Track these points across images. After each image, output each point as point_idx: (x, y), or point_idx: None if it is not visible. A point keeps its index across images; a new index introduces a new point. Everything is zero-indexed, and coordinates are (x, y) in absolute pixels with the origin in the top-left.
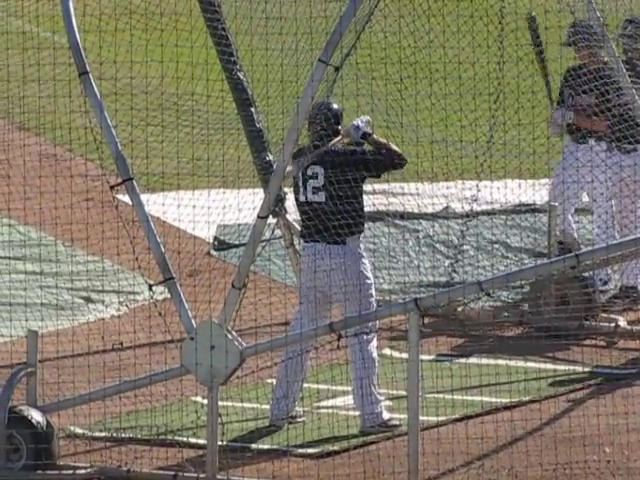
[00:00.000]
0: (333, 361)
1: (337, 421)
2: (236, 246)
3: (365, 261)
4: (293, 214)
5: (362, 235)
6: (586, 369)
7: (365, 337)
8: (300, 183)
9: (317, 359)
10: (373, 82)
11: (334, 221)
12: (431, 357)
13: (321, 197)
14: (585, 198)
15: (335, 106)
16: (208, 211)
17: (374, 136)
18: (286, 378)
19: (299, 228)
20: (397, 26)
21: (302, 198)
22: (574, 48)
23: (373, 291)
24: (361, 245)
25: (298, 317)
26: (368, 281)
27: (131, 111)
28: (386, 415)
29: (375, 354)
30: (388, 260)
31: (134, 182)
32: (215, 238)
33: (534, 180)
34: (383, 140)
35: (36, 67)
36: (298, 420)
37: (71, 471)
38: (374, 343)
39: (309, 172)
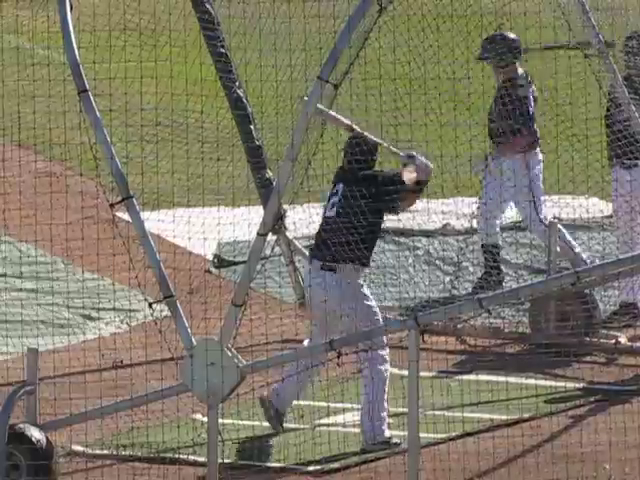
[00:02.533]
0: (332, 379)
1: (336, 438)
2: (236, 263)
3: (359, 289)
4: (293, 232)
5: (363, 269)
6: (586, 385)
7: (377, 356)
8: (328, 200)
9: (315, 377)
10: (370, 98)
11: (341, 238)
12: (431, 374)
13: (333, 212)
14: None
15: (370, 141)
16: (207, 229)
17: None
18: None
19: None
20: (394, 42)
21: (326, 213)
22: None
23: (377, 318)
24: (354, 272)
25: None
26: (366, 310)
27: (127, 128)
28: (387, 433)
29: (387, 374)
30: (388, 277)
31: (134, 200)
32: (215, 255)
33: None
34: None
35: (33, 84)
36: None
37: None
38: (387, 364)
39: (336, 188)
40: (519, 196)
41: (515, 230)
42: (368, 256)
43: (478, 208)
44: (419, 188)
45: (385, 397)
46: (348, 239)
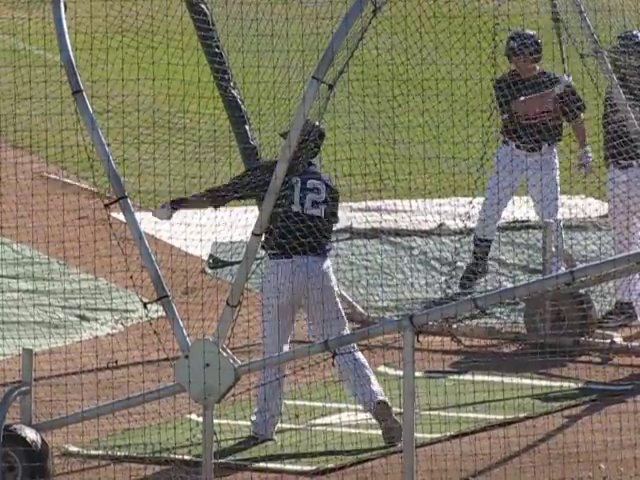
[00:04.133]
0: (327, 379)
1: (332, 438)
2: (231, 264)
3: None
4: None
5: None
6: (581, 385)
7: (346, 352)
8: (297, 193)
9: (312, 377)
10: (366, 99)
11: (325, 236)
12: (426, 374)
13: (320, 212)
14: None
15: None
16: (203, 229)
17: None
18: (266, 398)
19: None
20: (390, 43)
21: (297, 209)
22: (515, 58)
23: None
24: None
25: (269, 335)
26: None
27: (123, 129)
28: (380, 396)
29: (359, 355)
30: (383, 277)
31: (128, 200)
32: (210, 256)
33: (527, 196)
34: None
35: (29, 85)
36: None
37: None
38: (357, 352)
39: (309, 185)
40: (539, 190)
41: (510, 230)
42: None
43: (473, 205)
44: None
45: (369, 370)
46: (329, 236)
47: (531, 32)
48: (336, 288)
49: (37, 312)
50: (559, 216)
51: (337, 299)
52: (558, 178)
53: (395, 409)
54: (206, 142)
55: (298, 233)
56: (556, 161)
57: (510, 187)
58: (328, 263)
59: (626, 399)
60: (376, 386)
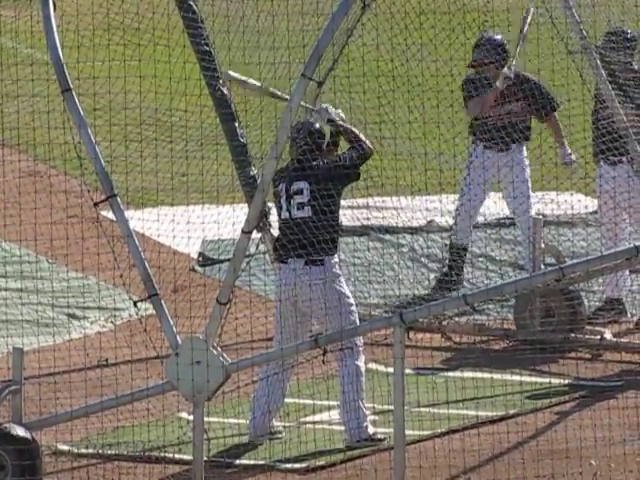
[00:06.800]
0: (317, 376)
1: (322, 436)
2: (221, 261)
3: (342, 279)
4: (277, 229)
5: (337, 254)
6: (570, 382)
7: (352, 352)
8: (284, 200)
9: (301, 374)
10: (354, 95)
11: (318, 237)
12: (416, 371)
13: (307, 212)
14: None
15: (317, 125)
16: (192, 227)
17: (340, 122)
18: (266, 395)
19: (276, 247)
20: (377, 40)
21: (285, 215)
22: (480, 69)
23: (354, 308)
24: (337, 264)
25: (277, 337)
26: (349, 300)
27: (111, 127)
28: (371, 429)
29: (362, 368)
30: (372, 274)
31: (118, 199)
32: (200, 254)
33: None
34: (349, 126)
35: (17, 84)
36: (278, 436)
37: None
38: (361, 357)
39: (294, 188)
40: (511, 189)
41: (500, 227)
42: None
43: (460, 205)
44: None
45: (364, 393)
46: (328, 236)
47: (498, 37)
48: (340, 290)
49: (26, 311)
50: (533, 213)
51: (337, 309)
52: (528, 177)
53: (385, 406)
54: (195, 140)
55: (290, 238)
56: (526, 160)
57: (482, 189)
58: (327, 268)
59: (616, 395)
60: (364, 420)
